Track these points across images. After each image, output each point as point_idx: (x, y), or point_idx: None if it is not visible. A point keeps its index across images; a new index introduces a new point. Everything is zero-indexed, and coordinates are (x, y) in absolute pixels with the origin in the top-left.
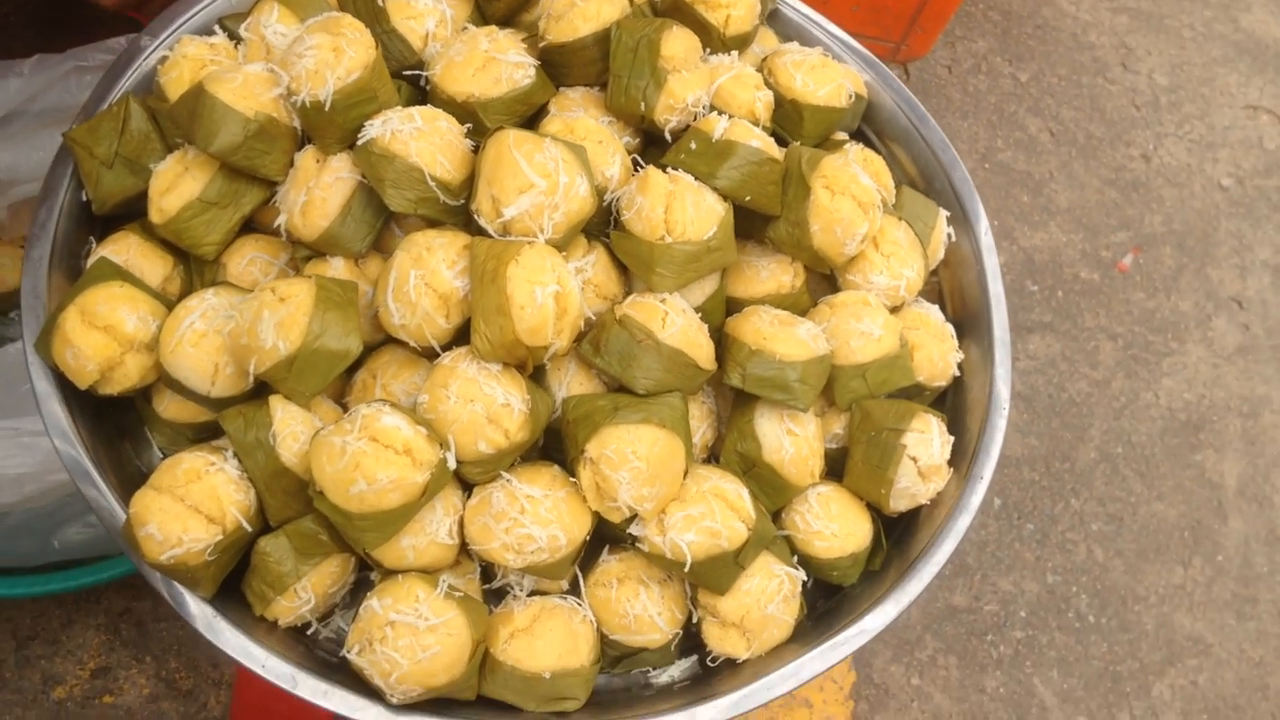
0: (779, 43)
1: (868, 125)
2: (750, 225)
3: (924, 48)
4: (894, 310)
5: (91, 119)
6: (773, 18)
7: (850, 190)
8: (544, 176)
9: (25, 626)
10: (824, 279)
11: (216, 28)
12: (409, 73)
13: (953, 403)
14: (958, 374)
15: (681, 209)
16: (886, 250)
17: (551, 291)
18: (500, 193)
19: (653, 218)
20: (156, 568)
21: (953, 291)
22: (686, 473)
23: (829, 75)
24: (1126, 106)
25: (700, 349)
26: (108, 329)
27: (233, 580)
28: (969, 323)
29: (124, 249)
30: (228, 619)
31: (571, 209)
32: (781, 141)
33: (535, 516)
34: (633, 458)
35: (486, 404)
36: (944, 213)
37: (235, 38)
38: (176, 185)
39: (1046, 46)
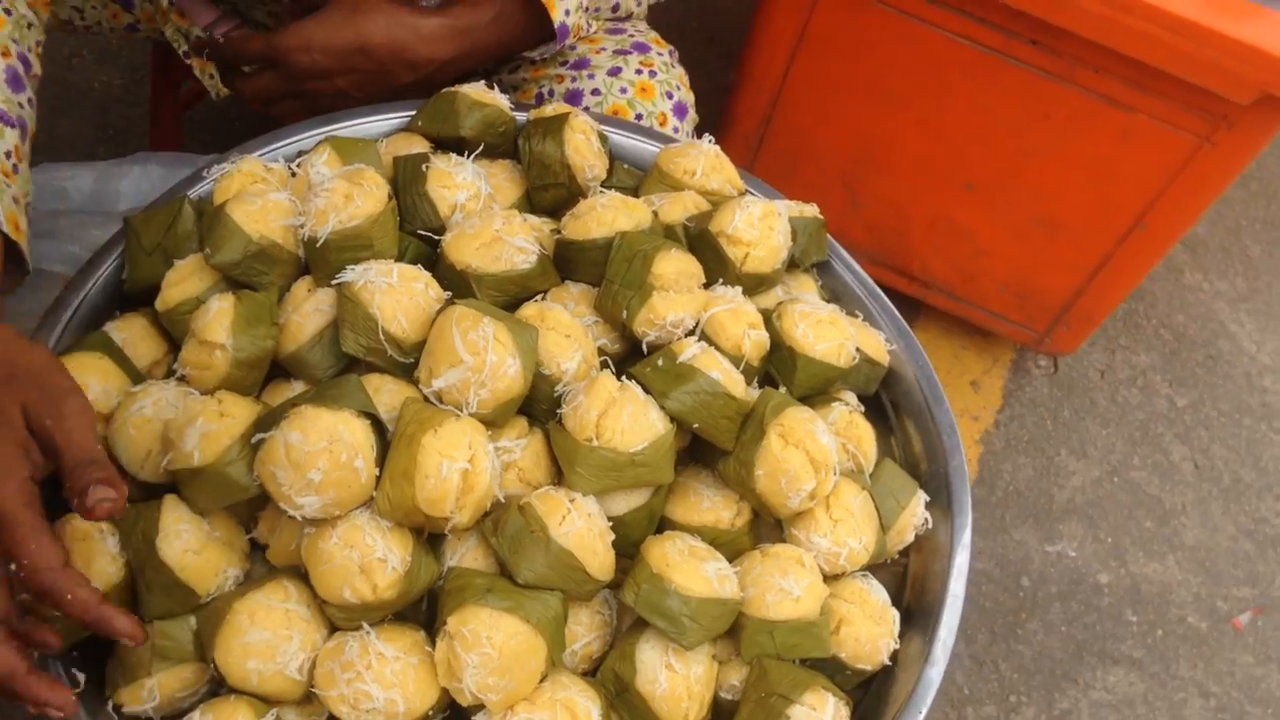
0: (816, 292)
1: (886, 393)
2: (711, 455)
3: (1070, 345)
4: (832, 578)
5: (149, 209)
6: (822, 269)
7: (805, 445)
8: (472, 354)
9: None
10: (776, 528)
11: (280, 157)
12: (428, 233)
13: (878, 690)
14: (889, 663)
15: (616, 417)
16: (836, 515)
17: (460, 468)
18: (434, 363)
19: (586, 418)
20: None
21: (915, 578)
22: (546, 676)
23: (833, 333)
24: None
25: (594, 557)
26: None
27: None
28: (920, 615)
29: (128, 328)
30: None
31: (499, 388)
32: (774, 384)
33: (378, 675)
34: (486, 643)
35: (363, 553)
36: (922, 496)
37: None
38: (184, 281)
39: (1214, 378)
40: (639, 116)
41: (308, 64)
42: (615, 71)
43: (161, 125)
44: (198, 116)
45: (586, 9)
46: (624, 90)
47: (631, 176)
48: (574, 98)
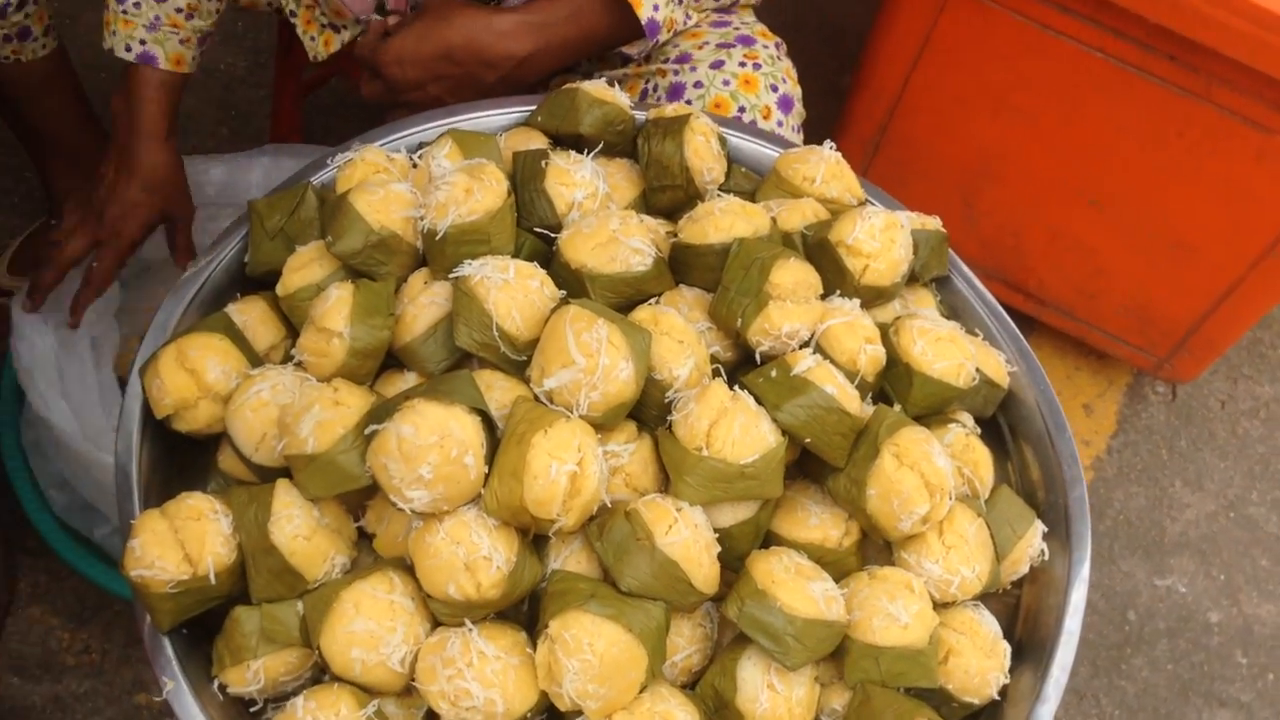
0: (935, 307)
1: (1004, 416)
2: (821, 471)
3: (1191, 372)
4: (942, 606)
5: (273, 195)
6: (941, 284)
7: (920, 467)
8: (585, 355)
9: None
10: (886, 550)
11: (403, 147)
12: (545, 230)
13: None
14: (998, 698)
15: (727, 427)
16: (949, 541)
17: (568, 470)
18: (546, 362)
19: (696, 427)
20: (128, 581)
21: (1028, 611)
22: (645, 687)
23: (953, 351)
24: None
25: (699, 569)
26: (192, 372)
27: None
28: (1031, 649)
29: (248, 310)
30: (183, 668)
31: (610, 391)
32: (888, 402)
33: (479, 674)
34: (587, 649)
35: (469, 550)
36: (1040, 526)
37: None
38: (305, 268)
39: None
40: (741, 109)
41: (400, 77)
42: (718, 64)
43: (283, 109)
44: (318, 101)
45: (681, 2)
46: (726, 83)
47: (748, 180)
48: (677, 91)
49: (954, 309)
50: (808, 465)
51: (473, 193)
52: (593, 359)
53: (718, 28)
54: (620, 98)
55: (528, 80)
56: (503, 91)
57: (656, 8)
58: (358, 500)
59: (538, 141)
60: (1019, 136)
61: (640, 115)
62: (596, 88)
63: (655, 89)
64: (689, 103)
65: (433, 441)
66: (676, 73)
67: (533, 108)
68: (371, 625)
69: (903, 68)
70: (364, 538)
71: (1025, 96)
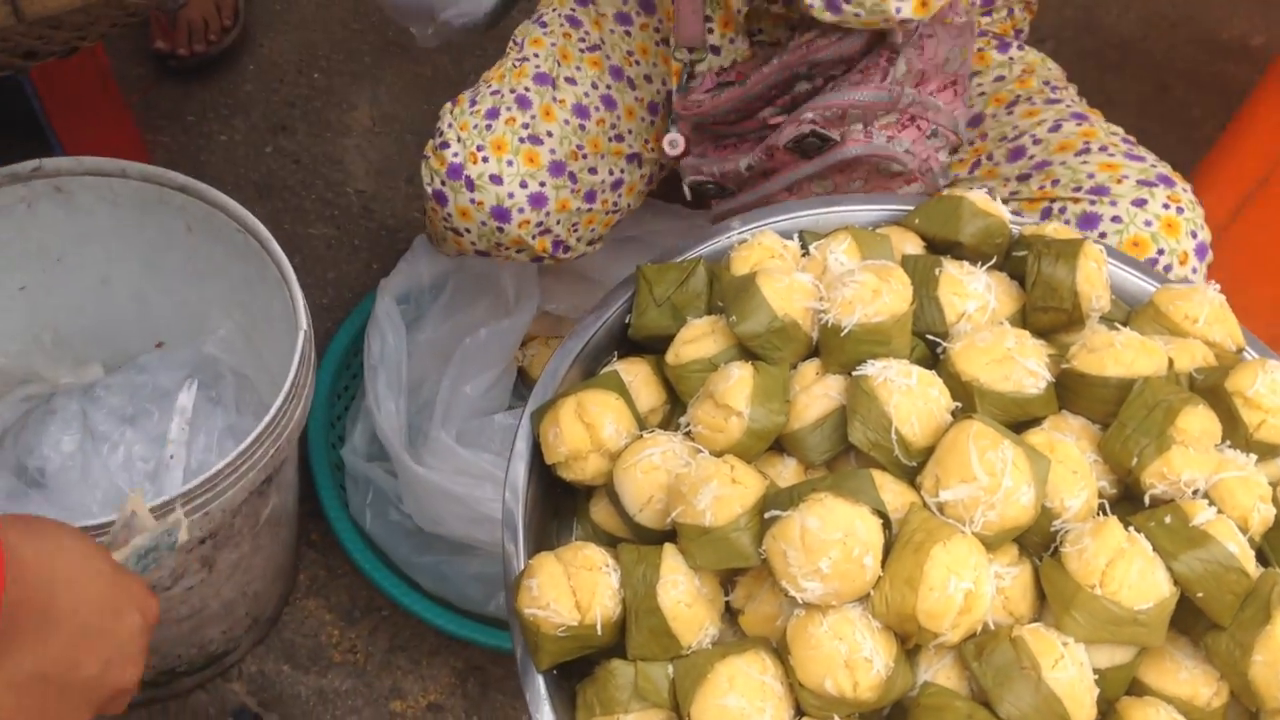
0: None
1: None
2: (1194, 622)
3: None
4: None
5: (663, 263)
6: None
7: None
8: (989, 474)
9: (402, 636)
10: (1248, 715)
11: (795, 235)
12: (932, 337)
13: None
14: None
15: (1125, 569)
16: None
17: (965, 587)
18: (943, 474)
19: (1092, 563)
20: (518, 618)
21: None
22: None
23: None
24: None
25: (1080, 709)
26: (589, 426)
27: (576, 675)
28: None
29: (633, 372)
30: (552, 704)
31: (1008, 513)
32: (1266, 562)
33: None
34: None
35: (851, 648)
36: None
37: (805, 250)
38: (697, 341)
39: None
40: (1160, 251)
41: None
42: (1140, 203)
43: None
44: None
45: None
46: (1149, 223)
47: (1117, 309)
48: (1090, 221)
49: None
50: (1176, 615)
51: (880, 294)
52: (995, 479)
53: (1134, 161)
54: (1003, 211)
55: None
56: None
57: None
58: (729, 575)
59: (913, 243)
60: None
61: (1014, 229)
62: (981, 198)
63: (1064, 211)
64: (1103, 235)
65: (837, 538)
66: (1093, 203)
67: (904, 207)
68: (743, 703)
69: (1233, 203)
70: (727, 611)
71: None
